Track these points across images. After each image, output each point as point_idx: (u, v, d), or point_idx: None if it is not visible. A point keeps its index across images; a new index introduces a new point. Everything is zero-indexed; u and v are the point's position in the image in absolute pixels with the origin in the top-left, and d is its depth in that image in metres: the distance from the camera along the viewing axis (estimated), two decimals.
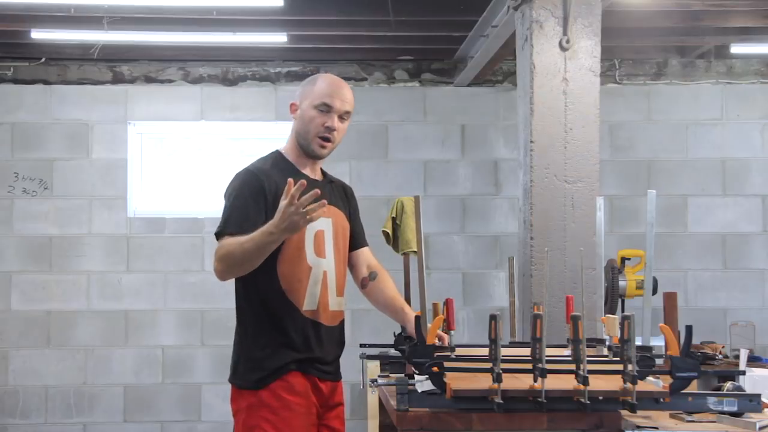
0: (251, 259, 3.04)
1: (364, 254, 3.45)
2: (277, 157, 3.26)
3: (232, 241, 3.06)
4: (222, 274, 3.13)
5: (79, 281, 7.64)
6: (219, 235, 3.14)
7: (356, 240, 3.43)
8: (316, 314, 3.17)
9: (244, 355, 3.16)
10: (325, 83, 3.24)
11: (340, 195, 3.38)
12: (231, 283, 8.29)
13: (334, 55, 7.70)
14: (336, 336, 3.27)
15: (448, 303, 3.49)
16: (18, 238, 7.64)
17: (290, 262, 3.14)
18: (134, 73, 7.79)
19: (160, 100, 7.76)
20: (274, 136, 7.56)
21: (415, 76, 7.90)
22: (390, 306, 3.44)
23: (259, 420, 3.08)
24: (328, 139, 3.22)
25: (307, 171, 3.26)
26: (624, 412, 2.93)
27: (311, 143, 3.22)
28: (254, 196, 3.11)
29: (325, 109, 3.19)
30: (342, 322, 3.30)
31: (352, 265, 3.44)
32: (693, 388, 3.03)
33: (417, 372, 3.13)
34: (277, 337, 3.12)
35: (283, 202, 2.88)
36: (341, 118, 3.22)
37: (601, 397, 2.90)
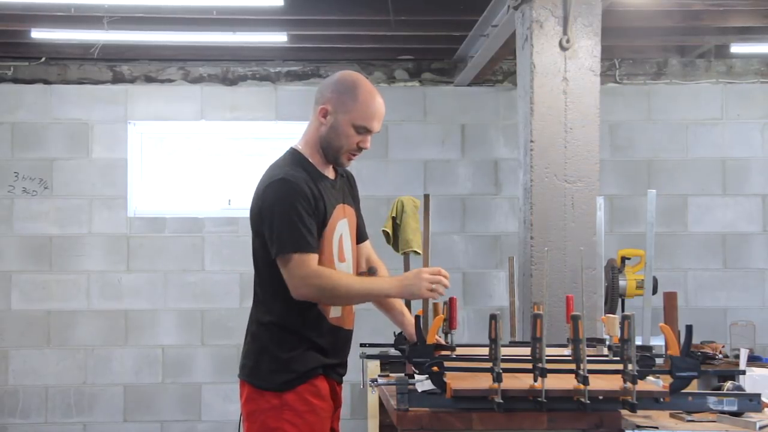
0: (353, 301, 3.09)
1: (366, 248, 3.41)
2: (300, 159, 3.15)
3: (329, 272, 3.02)
4: (310, 298, 3.04)
5: (79, 281, 7.64)
6: (285, 253, 3.00)
7: (359, 233, 3.38)
8: (341, 320, 3.16)
9: (269, 355, 3.08)
10: (367, 101, 3.10)
11: (348, 188, 3.34)
12: (231, 283, 8.30)
13: (334, 54, 7.70)
14: (351, 337, 3.26)
15: (451, 302, 3.48)
16: (18, 238, 7.65)
17: None
18: (134, 72, 7.79)
19: (160, 100, 7.76)
20: (274, 136, 7.58)
21: (415, 76, 7.90)
22: (388, 305, 3.41)
23: (282, 422, 3.04)
24: (357, 154, 3.19)
25: (326, 172, 3.19)
26: (624, 412, 2.93)
27: (341, 157, 3.15)
28: (306, 208, 3.02)
29: (364, 131, 3.12)
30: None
31: None
32: (693, 387, 3.02)
33: (417, 371, 3.13)
34: (305, 341, 3.09)
35: (428, 275, 3.02)
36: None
37: (601, 397, 2.90)
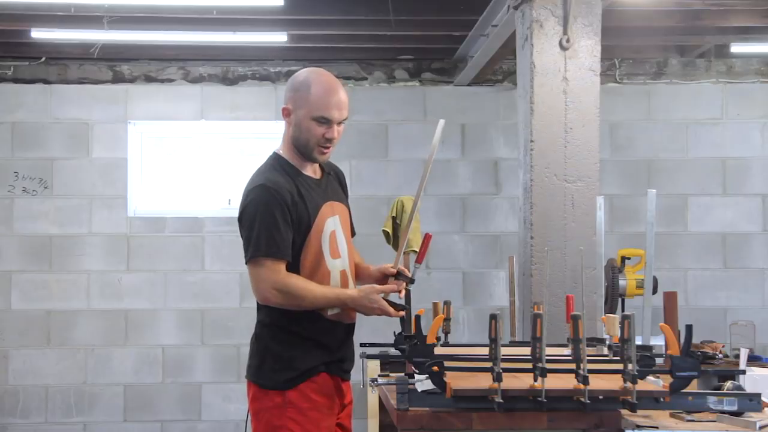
0: (314, 309, 3.10)
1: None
2: (280, 161, 3.21)
3: (297, 280, 3.06)
4: (276, 304, 3.08)
5: (79, 281, 7.64)
6: (258, 257, 3.06)
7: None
8: (340, 315, 3.18)
9: (271, 354, 3.12)
10: (320, 91, 3.13)
11: (338, 185, 3.37)
12: (231, 283, 8.30)
13: (334, 54, 7.70)
14: (353, 329, 3.28)
15: (425, 238, 3.44)
16: (18, 238, 7.64)
17: (311, 271, 3.13)
18: (134, 72, 7.79)
19: (160, 100, 7.76)
20: (274, 135, 7.49)
21: (415, 76, 7.89)
22: (358, 271, 3.40)
23: (286, 420, 3.07)
24: (328, 147, 3.20)
25: (307, 171, 3.23)
26: (624, 412, 2.93)
27: (312, 152, 3.18)
28: (283, 215, 3.07)
29: (325, 121, 3.14)
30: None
31: None
32: (693, 387, 3.03)
33: (417, 371, 3.13)
34: (306, 339, 3.12)
35: (381, 303, 3.09)
36: (339, 124, 3.19)
37: (601, 397, 2.90)
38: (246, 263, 3.11)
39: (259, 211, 3.07)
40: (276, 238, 3.05)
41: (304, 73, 3.21)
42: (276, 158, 3.23)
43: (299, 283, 3.07)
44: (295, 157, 3.21)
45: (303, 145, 3.18)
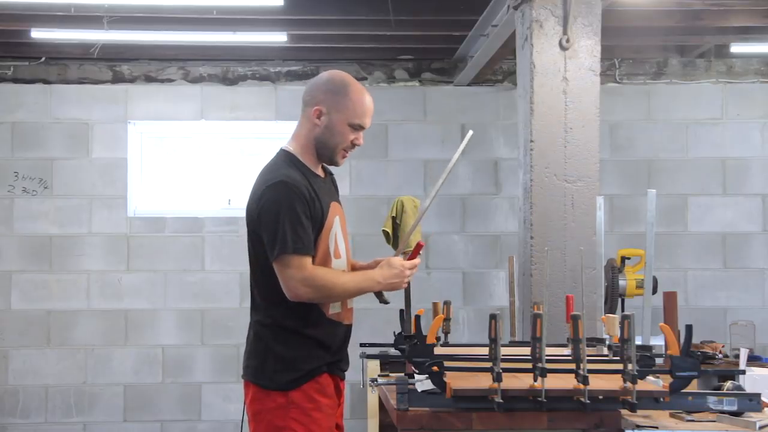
0: (346, 298, 3.13)
1: None
2: (293, 159, 3.19)
3: (324, 272, 3.07)
4: (308, 299, 3.06)
5: (79, 281, 7.64)
6: (284, 255, 3.02)
7: None
8: (341, 316, 3.18)
9: (273, 355, 3.10)
10: (359, 99, 3.16)
11: (334, 187, 3.39)
12: (231, 283, 8.28)
13: (334, 54, 7.70)
14: (351, 332, 3.28)
15: (419, 245, 3.46)
16: (18, 238, 7.64)
17: None
18: (134, 72, 7.79)
19: (160, 100, 7.76)
20: (274, 135, 7.57)
21: (415, 76, 7.89)
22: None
23: (288, 421, 3.06)
24: (349, 152, 3.23)
25: (317, 171, 3.24)
26: (624, 412, 2.93)
27: (336, 155, 3.20)
28: (304, 210, 3.05)
29: (359, 128, 3.19)
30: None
31: None
32: (693, 387, 3.03)
33: (417, 371, 3.13)
34: (307, 339, 3.11)
35: (404, 263, 3.17)
36: None
37: (601, 397, 2.90)
38: (272, 261, 3.05)
39: (281, 207, 3.03)
40: (300, 233, 3.03)
41: (338, 76, 3.20)
42: (287, 155, 3.20)
43: (327, 275, 3.07)
44: (307, 157, 3.20)
45: (330, 148, 3.18)
